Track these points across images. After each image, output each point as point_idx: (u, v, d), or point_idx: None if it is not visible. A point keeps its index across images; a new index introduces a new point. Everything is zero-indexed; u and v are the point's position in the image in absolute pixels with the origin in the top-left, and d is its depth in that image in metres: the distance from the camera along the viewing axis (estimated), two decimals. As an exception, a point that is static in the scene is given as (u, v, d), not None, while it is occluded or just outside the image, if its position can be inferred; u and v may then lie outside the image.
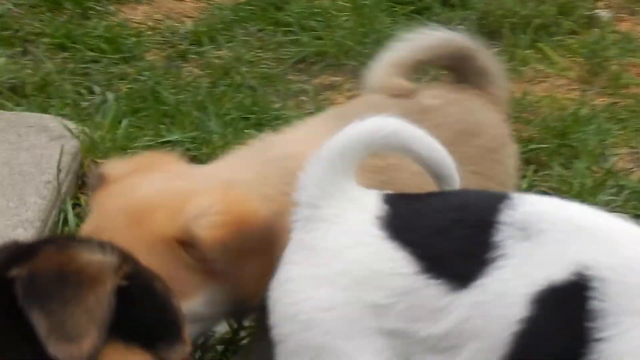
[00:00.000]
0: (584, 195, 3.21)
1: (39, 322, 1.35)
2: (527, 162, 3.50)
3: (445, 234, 1.72)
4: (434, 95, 2.48)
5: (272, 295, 1.78)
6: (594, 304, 1.58)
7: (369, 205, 1.77)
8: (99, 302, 1.39)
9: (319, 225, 1.78)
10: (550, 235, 1.67)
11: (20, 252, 1.51)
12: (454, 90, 2.54)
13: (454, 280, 1.64)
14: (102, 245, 1.49)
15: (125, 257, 1.51)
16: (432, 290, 1.64)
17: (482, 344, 1.62)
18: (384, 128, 1.82)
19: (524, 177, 3.39)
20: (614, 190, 3.27)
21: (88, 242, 1.53)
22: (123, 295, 1.43)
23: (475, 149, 2.37)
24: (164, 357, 1.54)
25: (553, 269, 1.62)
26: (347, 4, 4.98)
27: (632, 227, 1.78)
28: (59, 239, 1.62)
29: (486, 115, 2.52)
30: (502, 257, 1.65)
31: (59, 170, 2.82)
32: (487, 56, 2.64)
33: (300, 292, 1.74)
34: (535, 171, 3.44)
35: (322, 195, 1.78)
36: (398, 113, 2.12)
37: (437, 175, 1.89)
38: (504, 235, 1.67)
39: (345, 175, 1.79)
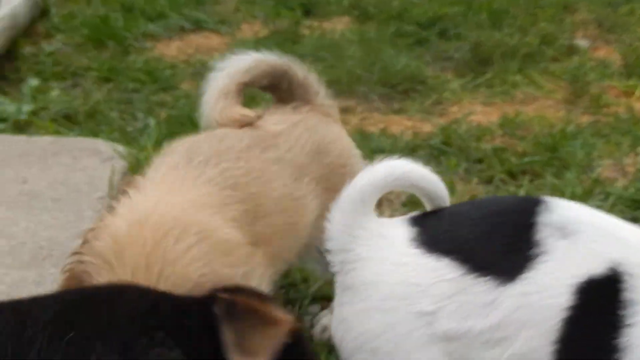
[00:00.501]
0: (576, 200, 3.17)
1: (229, 337, 1.48)
2: (523, 172, 3.47)
3: (487, 238, 1.74)
4: (277, 121, 2.34)
5: (335, 336, 1.81)
6: (625, 295, 1.64)
7: (397, 234, 1.78)
8: (275, 338, 1.50)
9: (354, 265, 1.79)
10: (585, 236, 1.71)
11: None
12: (293, 112, 2.40)
13: (501, 275, 1.66)
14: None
15: (293, 329, 1.57)
16: (480, 287, 1.65)
17: (533, 332, 1.64)
18: (395, 171, 1.83)
19: (520, 186, 3.36)
20: (601, 196, 3.22)
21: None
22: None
23: (326, 167, 2.28)
24: None
25: (591, 265, 1.67)
26: (355, 37, 4.98)
27: None
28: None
29: (328, 131, 2.41)
30: (544, 253, 1.67)
31: (111, 188, 2.79)
32: (303, 70, 2.51)
33: (357, 327, 1.75)
34: (531, 181, 3.40)
35: (351, 240, 1.79)
36: (250, 143, 2.15)
37: (432, 200, 1.91)
38: (545, 234, 1.69)
39: (366, 216, 1.81)
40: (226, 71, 2.38)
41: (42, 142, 3.21)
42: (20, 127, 3.56)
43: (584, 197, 3.21)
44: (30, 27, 4.80)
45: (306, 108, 2.40)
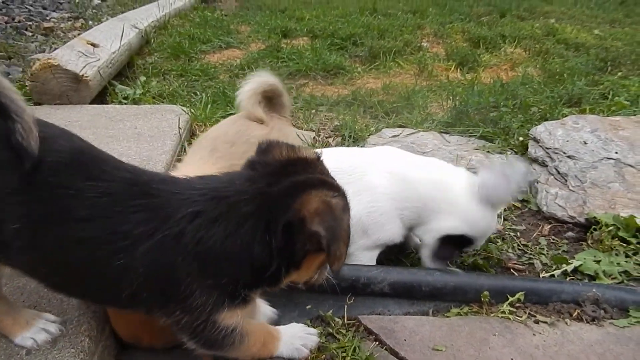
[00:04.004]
0: (417, 125, 3.16)
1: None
2: (392, 112, 3.45)
3: None
4: (262, 128, 2.04)
5: None
6: None
7: None
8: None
9: None
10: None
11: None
12: (271, 119, 2.11)
13: None
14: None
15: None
16: None
17: None
18: None
19: (390, 118, 3.34)
20: (430, 121, 3.20)
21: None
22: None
23: None
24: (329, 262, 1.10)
25: None
26: (309, 47, 4.86)
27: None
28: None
29: (287, 130, 2.20)
30: None
31: (179, 129, 2.75)
32: (287, 95, 2.24)
33: None
34: (396, 116, 3.37)
35: None
36: (247, 149, 1.75)
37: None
38: None
39: None
40: (254, 84, 2.11)
41: (146, 107, 3.15)
42: (135, 101, 3.49)
43: (422, 122, 3.21)
44: (139, 49, 4.65)
45: (277, 117, 2.19)
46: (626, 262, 1.86)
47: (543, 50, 4.67)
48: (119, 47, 3.95)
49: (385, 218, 1.64)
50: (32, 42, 4.57)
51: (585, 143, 2.50)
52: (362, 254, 1.68)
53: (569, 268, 1.86)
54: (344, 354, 1.39)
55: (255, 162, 1.17)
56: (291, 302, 1.59)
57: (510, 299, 1.59)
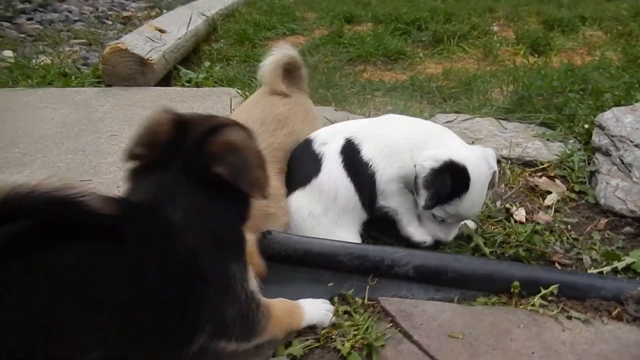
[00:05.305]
0: (475, 111, 3.04)
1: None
2: (449, 97, 3.34)
3: (302, 160, 1.87)
4: (285, 103, 2.03)
5: None
6: (359, 149, 1.81)
7: None
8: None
9: None
10: (332, 138, 1.86)
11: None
12: (292, 93, 2.08)
13: (315, 170, 1.82)
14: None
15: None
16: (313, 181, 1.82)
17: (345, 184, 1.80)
18: None
19: (447, 104, 3.23)
20: (489, 107, 3.06)
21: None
22: None
23: (309, 122, 2.07)
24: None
25: (339, 143, 1.83)
26: (371, 33, 4.80)
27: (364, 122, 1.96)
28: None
29: (307, 103, 2.19)
30: (322, 153, 1.83)
31: (231, 109, 2.84)
32: (303, 67, 2.20)
33: None
34: (453, 102, 3.26)
35: None
36: (276, 126, 1.93)
37: None
38: (318, 148, 1.85)
39: None
40: (276, 56, 2.10)
41: (204, 90, 3.29)
42: (197, 84, 3.63)
43: (479, 107, 3.08)
44: (206, 36, 4.84)
45: (297, 91, 2.16)
46: (688, 262, 1.68)
47: (626, 32, 4.27)
48: (185, 33, 4.14)
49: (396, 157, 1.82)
50: (111, 30, 4.92)
51: (657, 131, 2.27)
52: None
53: (620, 265, 1.71)
54: (356, 332, 1.38)
55: (139, 154, 1.09)
56: (314, 280, 1.60)
57: (543, 291, 1.49)
